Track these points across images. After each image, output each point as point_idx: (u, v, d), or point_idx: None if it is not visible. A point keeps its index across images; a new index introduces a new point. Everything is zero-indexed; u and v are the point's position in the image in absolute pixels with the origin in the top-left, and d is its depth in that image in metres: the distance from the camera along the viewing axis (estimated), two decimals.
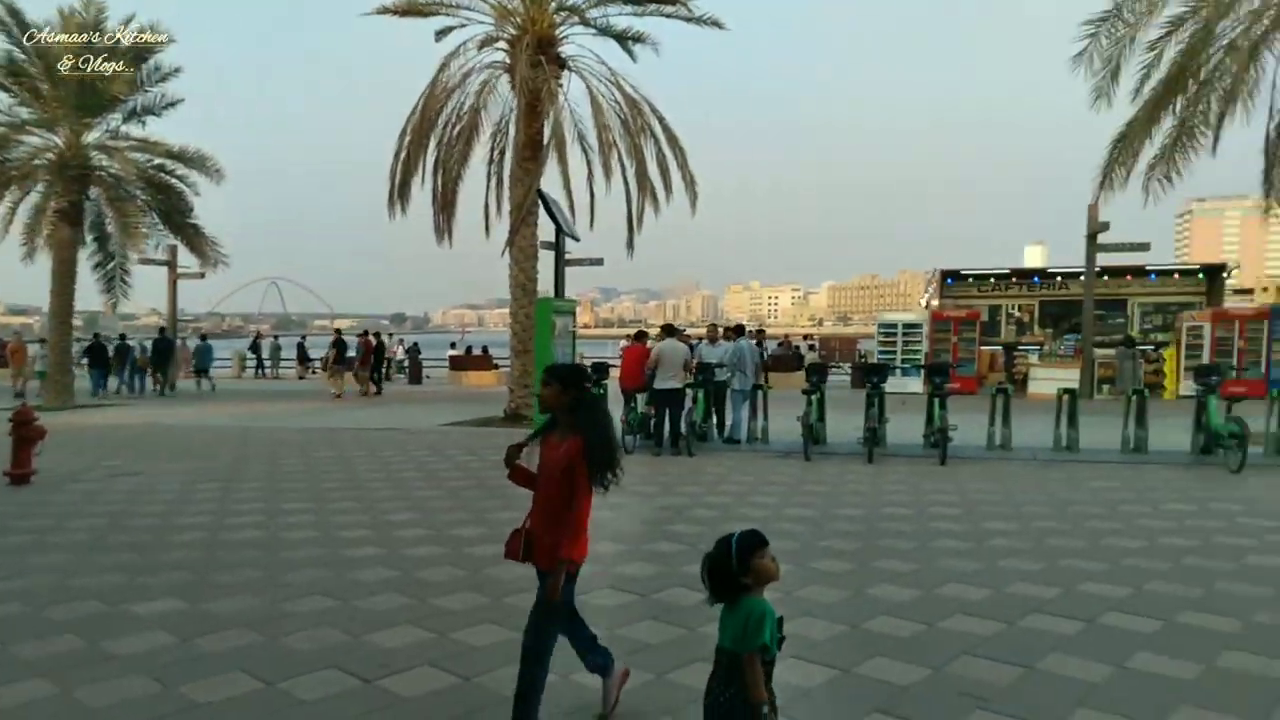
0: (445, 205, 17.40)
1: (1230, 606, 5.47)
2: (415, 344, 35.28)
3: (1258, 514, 8.21)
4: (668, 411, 12.68)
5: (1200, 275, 24.71)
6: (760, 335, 20.46)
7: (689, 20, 16.61)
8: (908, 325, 24.23)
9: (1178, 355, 22.06)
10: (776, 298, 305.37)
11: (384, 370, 26.72)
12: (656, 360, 12.68)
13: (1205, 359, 21.20)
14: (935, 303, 25.89)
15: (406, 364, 32.38)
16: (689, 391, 12.94)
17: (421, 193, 17.40)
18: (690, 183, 16.96)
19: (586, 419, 3.69)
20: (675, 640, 4.99)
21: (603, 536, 7.50)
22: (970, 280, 26.08)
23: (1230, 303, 30.38)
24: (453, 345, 35.41)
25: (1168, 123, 14.04)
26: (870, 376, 12.87)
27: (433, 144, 17.14)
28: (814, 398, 12.64)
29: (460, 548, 7.13)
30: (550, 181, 16.13)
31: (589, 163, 17.20)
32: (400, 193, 17.33)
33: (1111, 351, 22.35)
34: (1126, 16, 14.38)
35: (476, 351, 32.29)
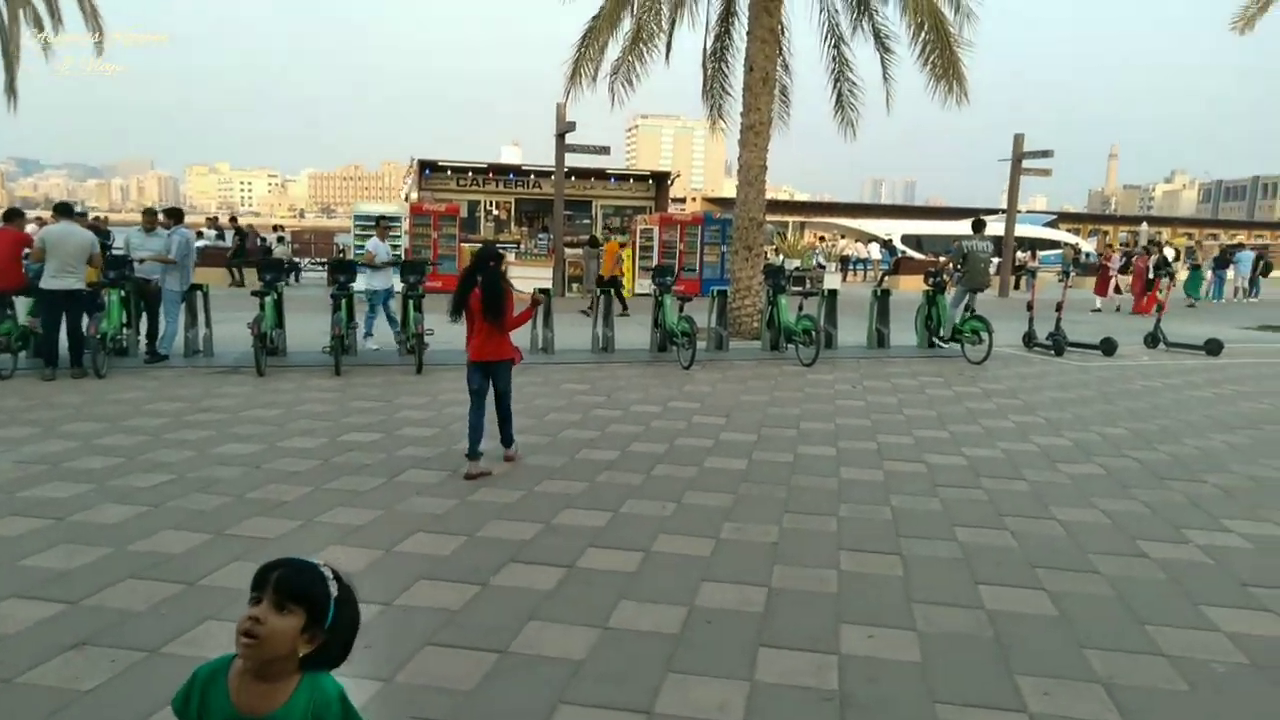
0: None
1: (700, 523, 5.22)
2: None
3: (710, 411, 8.59)
4: (65, 319, 9.60)
5: (650, 181, 27.19)
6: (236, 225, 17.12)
7: None
8: (386, 218, 22.64)
9: (633, 256, 24.03)
10: (250, 183, 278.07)
11: None
12: (43, 249, 9.45)
13: (655, 260, 23.39)
14: (414, 195, 24.69)
15: None
16: (112, 294, 10.04)
17: None
18: (92, 14, 13.00)
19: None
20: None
21: None
22: (449, 173, 25.36)
23: (674, 210, 34.35)
24: None
25: (628, 23, 14.31)
26: (336, 274, 11.19)
27: None
28: (269, 299, 10.60)
29: None
30: None
31: None
32: None
33: (579, 251, 23.49)
34: None
35: None
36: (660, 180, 27.04)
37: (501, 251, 6.83)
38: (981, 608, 4.11)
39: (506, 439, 6.56)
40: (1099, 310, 20.93)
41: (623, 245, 24.77)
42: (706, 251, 23.84)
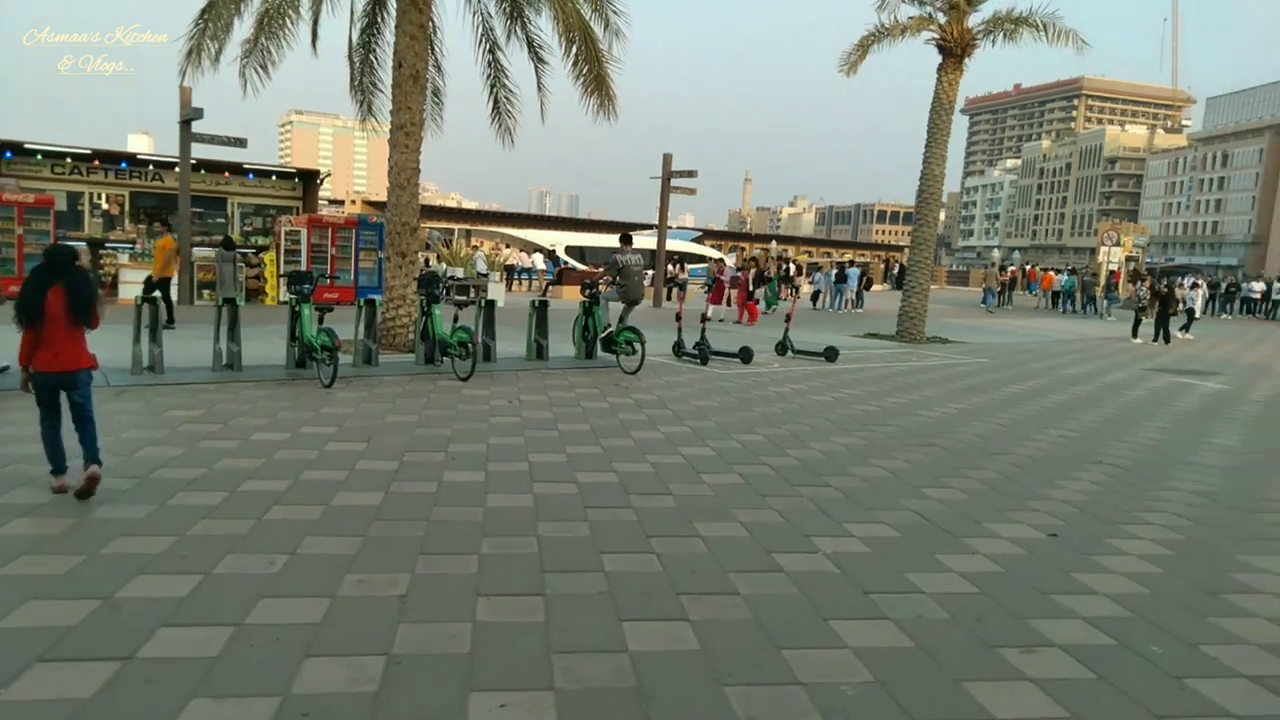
0: None
1: (315, 579, 4.41)
2: None
3: (348, 436, 7.68)
4: None
5: (296, 180, 24.97)
6: None
7: None
8: None
9: (278, 260, 21.89)
10: None
11: None
12: None
13: (303, 265, 21.50)
14: None
15: None
16: None
17: None
18: None
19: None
20: None
21: None
22: (40, 158, 21.27)
23: (326, 212, 32.05)
24: None
25: (258, 1, 12.79)
26: None
27: None
28: None
29: None
30: None
31: None
32: None
33: (211, 253, 20.91)
34: None
35: None
36: (309, 178, 24.92)
37: (78, 251, 5.99)
38: (625, 650, 3.79)
39: (92, 454, 5.58)
40: (722, 320, 22.05)
41: (263, 249, 22.59)
42: (362, 257, 22.39)
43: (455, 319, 11.55)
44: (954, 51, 19.68)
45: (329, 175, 26.43)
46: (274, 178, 24.46)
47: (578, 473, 6.77)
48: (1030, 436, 9.08)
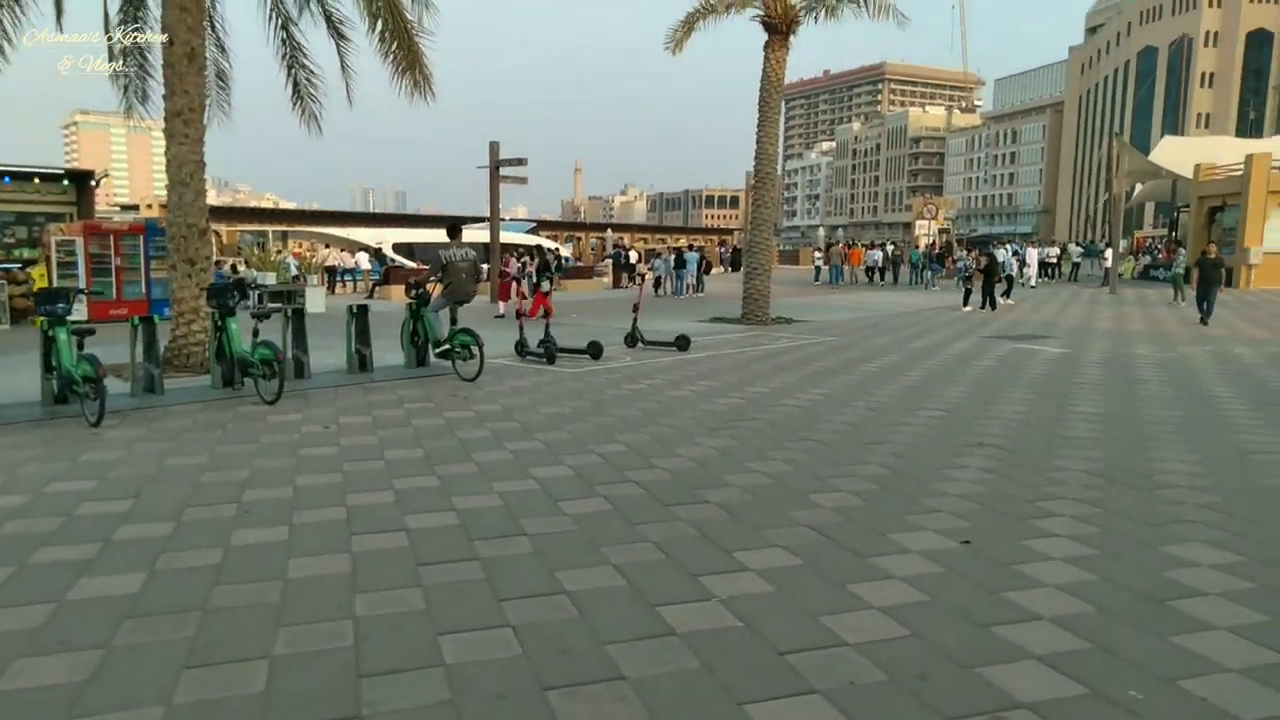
0: None
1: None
2: None
3: (111, 492, 6.08)
4: None
5: (66, 182, 21.85)
6: None
7: None
8: None
9: (49, 274, 19.00)
10: None
11: None
12: None
13: (82, 278, 18.84)
14: None
15: None
16: None
17: None
18: None
19: None
20: None
21: None
22: None
23: (117, 218, 28.60)
24: None
25: None
26: None
27: None
28: None
29: None
30: None
31: None
32: None
33: None
34: None
35: None
36: (82, 180, 21.85)
37: None
38: None
39: None
40: (501, 316, 20.27)
41: (30, 263, 19.69)
42: (154, 266, 19.80)
43: (255, 332, 9.88)
44: (779, 29, 19.40)
45: (106, 176, 23.31)
46: (37, 180, 21.20)
47: (408, 515, 5.55)
48: (902, 420, 8.57)
